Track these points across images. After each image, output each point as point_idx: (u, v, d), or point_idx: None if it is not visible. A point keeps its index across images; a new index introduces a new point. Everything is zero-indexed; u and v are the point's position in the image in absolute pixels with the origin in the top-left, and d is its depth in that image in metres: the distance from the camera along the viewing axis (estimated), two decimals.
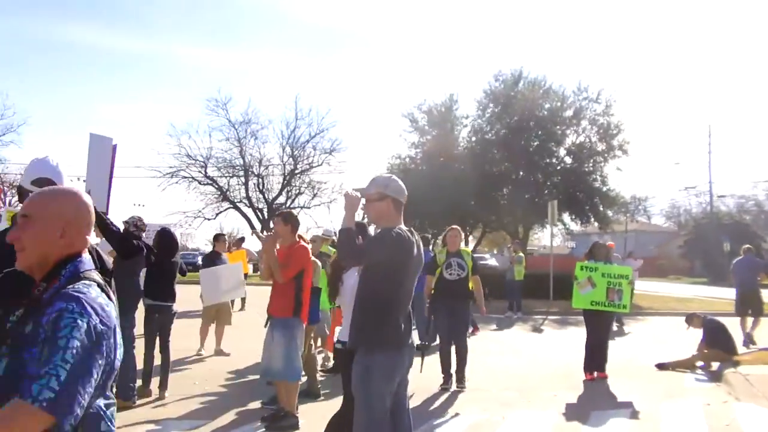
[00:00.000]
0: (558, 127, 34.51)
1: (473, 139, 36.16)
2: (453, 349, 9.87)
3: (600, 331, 10.76)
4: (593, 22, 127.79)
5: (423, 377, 9.43)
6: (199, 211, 44.55)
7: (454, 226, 10.19)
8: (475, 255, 19.63)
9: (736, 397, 9.45)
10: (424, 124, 36.57)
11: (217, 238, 13.85)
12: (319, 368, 9.85)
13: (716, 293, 33.40)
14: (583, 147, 34.78)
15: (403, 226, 4.57)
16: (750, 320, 15.17)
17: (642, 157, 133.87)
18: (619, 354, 13.05)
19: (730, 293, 32.78)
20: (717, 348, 11.85)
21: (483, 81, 40.84)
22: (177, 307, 9.26)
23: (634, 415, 8.50)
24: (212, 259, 13.21)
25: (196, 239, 74.04)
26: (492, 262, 36.07)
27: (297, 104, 55.75)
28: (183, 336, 14.14)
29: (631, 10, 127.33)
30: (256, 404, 8.46)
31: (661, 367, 11.73)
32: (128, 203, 45.82)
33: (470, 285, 9.81)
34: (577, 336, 11.28)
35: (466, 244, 41.52)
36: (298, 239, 7.55)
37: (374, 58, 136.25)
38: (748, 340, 14.73)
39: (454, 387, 9.66)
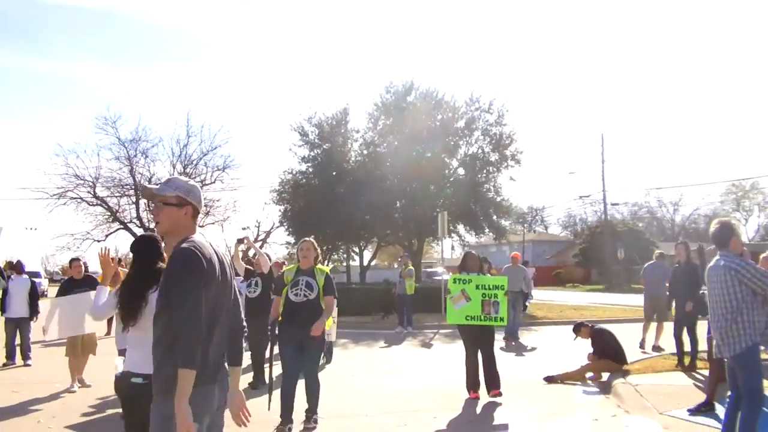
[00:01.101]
0: (450, 138, 34.25)
1: (365, 152, 35.57)
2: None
3: (481, 346, 10.04)
4: (484, 32, 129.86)
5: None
6: (88, 233, 42.59)
7: (306, 239, 8.52)
8: (429, 270, 18.77)
9: (626, 410, 8.91)
10: (315, 137, 35.67)
11: (71, 263, 12.25)
12: None
13: (612, 300, 33.64)
14: (476, 158, 34.60)
15: (199, 238, 3.72)
16: (653, 326, 14.77)
17: (538, 167, 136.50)
18: (507, 368, 12.43)
19: (625, 299, 33.27)
20: (606, 357, 11.34)
21: (374, 94, 40.22)
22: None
23: None
24: (65, 288, 11.64)
25: (92, 262, 71.10)
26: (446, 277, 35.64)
27: (189, 121, 53.85)
28: (45, 365, 13.04)
29: (521, 19, 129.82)
30: None
31: (549, 380, 11.16)
32: (20, 227, 43.52)
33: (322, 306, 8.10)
34: (461, 350, 10.67)
35: (362, 258, 40.86)
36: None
37: (267, 73, 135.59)
38: (657, 348, 14.40)
39: (301, 427, 8.07)
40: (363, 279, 40.28)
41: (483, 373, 10.01)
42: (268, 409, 7.92)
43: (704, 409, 8.24)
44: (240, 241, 11.54)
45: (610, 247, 54.53)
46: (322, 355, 14.07)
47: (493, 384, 9.93)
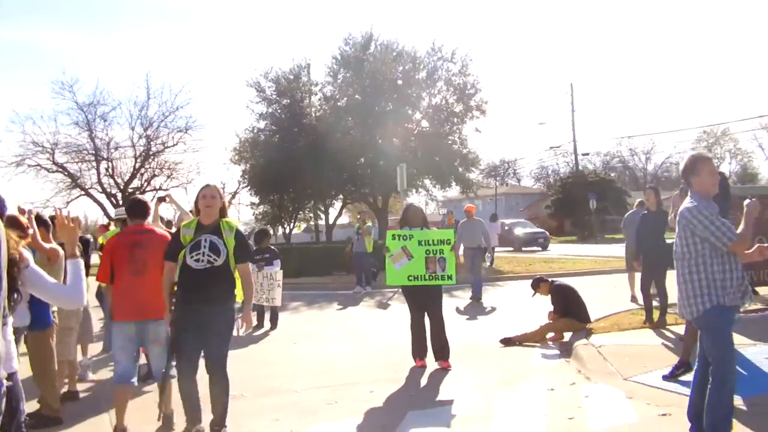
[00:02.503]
0: (412, 89, 32.96)
1: (325, 106, 34.23)
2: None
3: (428, 309, 8.99)
4: None
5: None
6: (47, 201, 41.64)
7: (209, 183, 6.61)
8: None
9: (587, 377, 7.94)
10: (272, 93, 34.28)
11: None
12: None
13: (584, 251, 32.89)
14: (439, 109, 33.40)
15: None
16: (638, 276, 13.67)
17: (508, 118, 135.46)
18: (462, 331, 11.53)
19: (597, 250, 32.56)
20: (568, 316, 10.34)
21: (333, 47, 38.98)
22: None
23: (458, 413, 6.80)
24: None
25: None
26: None
27: (148, 82, 52.38)
28: None
29: None
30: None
31: (506, 342, 10.17)
32: None
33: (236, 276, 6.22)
34: None
35: (327, 216, 39.81)
36: None
37: (227, 30, 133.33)
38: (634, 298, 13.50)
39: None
40: (329, 238, 39.31)
41: (431, 341, 9.02)
42: (159, 419, 6.25)
43: (679, 373, 7.28)
44: (161, 200, 10.37)
45: (582, 197, 53.73)
46: (267, 321, 13.13)
47: (441, 354, 8.89)
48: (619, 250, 17.57)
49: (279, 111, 34.17)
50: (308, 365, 9.44)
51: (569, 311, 10.34)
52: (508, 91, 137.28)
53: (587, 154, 69.24)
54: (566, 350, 9.47)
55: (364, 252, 19.11)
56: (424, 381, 8.30)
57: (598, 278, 19.43)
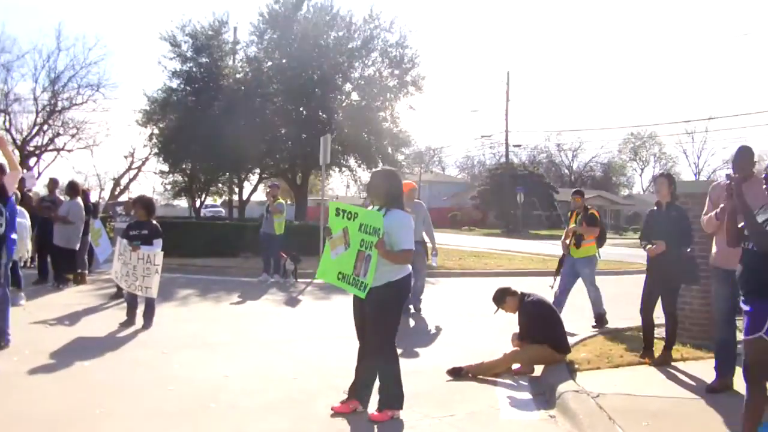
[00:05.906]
0: (344, 58, 30.09)
1: (247, 69, 31.02)
2: None
3: (367, 330, 5.91)
4: None
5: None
6: None
7: None
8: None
9: None
10: (189, 49, 30.77)
11: None
12: None
13: (511, 245, 30.81)
14: (372, 81, 30.63)
15: None
16: None
17: (437, 105, 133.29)
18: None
19: (525, 246, 30.41)
20: (542, 342, 7.56)
21: (261, 3, 35.67)
22: None
23: None
24: None
25: None
26: None
27: (60, 32, 48.52)
28: None
29: None
30: None
31: (454, 374, 7.29)
32: None
33: None
34: (342, 315, 6.61)
35: (241, 191, 36.52)
36: None
37: None
38: None
39: None
40: (242, 215, 36.10)
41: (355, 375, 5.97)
42: None
43: None
44: None
45: (510, 190, 52.04)
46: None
47: (385, 401, 5.76)
48: (549, 247, 14.82)
49: (195, 69, 30.72)
50: (162, 397, 6.26)
51: (544, 335, 7.56)
52: (439, 76, 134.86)
53: (519, 146, 67.68)
54: (543, 394, 6.61)
55: (273, 234, 15.94)
56: None
57: (536, 280, 16.85)
